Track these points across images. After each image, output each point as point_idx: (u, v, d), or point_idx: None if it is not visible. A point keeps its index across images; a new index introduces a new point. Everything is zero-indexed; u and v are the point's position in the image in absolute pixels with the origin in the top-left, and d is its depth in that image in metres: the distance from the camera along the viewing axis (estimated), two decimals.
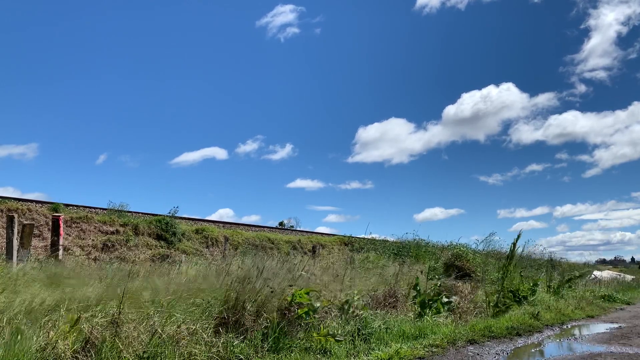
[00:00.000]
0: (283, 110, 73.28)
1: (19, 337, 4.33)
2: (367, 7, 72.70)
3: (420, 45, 75.29)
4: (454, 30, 75.08)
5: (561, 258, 22.96)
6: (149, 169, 60.42)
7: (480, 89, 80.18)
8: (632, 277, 29.00)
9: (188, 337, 5.25)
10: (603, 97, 73.10)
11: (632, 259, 72.49)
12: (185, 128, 67.88)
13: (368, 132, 69.49)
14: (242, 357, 5.47)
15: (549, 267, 20.11)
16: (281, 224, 34.37)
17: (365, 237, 22.49)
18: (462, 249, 17.51)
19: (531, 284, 13.15)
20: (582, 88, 68.93)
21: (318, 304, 6.78)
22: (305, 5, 69.21)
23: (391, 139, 68.48)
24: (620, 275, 28.88)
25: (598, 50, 71.73)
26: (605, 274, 27.77)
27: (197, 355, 5.11)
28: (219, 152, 63.84)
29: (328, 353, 6.02)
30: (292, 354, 5.76)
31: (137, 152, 61.28)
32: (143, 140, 64.12)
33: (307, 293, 6.70)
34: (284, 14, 68.66)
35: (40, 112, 55.03)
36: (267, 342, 5.85)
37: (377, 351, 6.36)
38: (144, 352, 4.81)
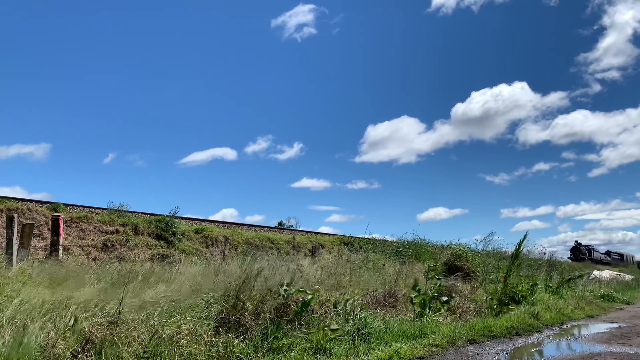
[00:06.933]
0: (293, 110, 73.00)
1: (19, 337, 4.33)
2: (384, 7, 72.49)
3: (434, 44, 75.10)
4: (468, 30, 74.78)
5: (560, 257, 22.98)
6: (157, 168, 60.19)
7: (491, 87, 79.73)
8: (632, 276, 28.99)
9: (188, 337, 5.26)
10: (616, 96, 72.44)
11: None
12: (195, 128, 67.55)
13: (377, 131, 68.82)
14: (242, 357, 5.47)
15: (548, 266, 20.12)
16: (280, 223, 34.24)
17: (365, 237, 22.46)
18: (462, 248, 17.51)
19: (530, 284, 13.15)
20: (595, 87, 68.25)
21: (310, 297, 6.83)
22: (326, 6, 68.87)
23: (400, 138, 68.01)
24: (620, 275, 28.86)
25: (612, 49, 70.75)
26: (605, 273, 27.73)
27: (197, 355, 5.11)
28: (228, 152, 63.53)
29: (328, 353, 6.02)
30: (292, 354, 5.76)
31: (146, 151, 60.98)
32: (153, 139, 63.83)
33: (301, 290, 6.82)
34: (303, 14, 68.33)
35: (49, 112, 54.92)
36: (267, 342, 5.86)
37: (377, 351, 6.35)
38: (143, 352, 4.82)
